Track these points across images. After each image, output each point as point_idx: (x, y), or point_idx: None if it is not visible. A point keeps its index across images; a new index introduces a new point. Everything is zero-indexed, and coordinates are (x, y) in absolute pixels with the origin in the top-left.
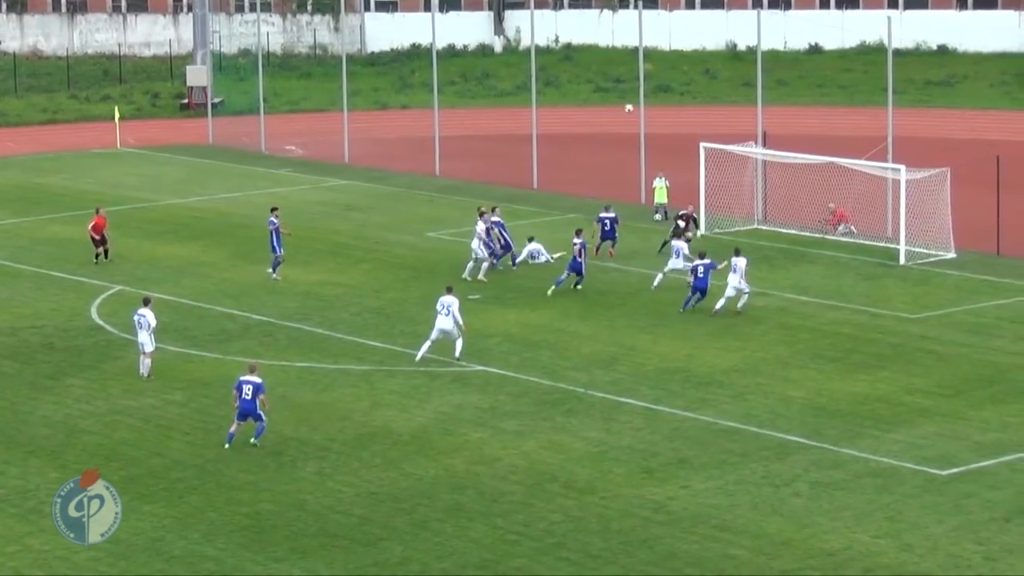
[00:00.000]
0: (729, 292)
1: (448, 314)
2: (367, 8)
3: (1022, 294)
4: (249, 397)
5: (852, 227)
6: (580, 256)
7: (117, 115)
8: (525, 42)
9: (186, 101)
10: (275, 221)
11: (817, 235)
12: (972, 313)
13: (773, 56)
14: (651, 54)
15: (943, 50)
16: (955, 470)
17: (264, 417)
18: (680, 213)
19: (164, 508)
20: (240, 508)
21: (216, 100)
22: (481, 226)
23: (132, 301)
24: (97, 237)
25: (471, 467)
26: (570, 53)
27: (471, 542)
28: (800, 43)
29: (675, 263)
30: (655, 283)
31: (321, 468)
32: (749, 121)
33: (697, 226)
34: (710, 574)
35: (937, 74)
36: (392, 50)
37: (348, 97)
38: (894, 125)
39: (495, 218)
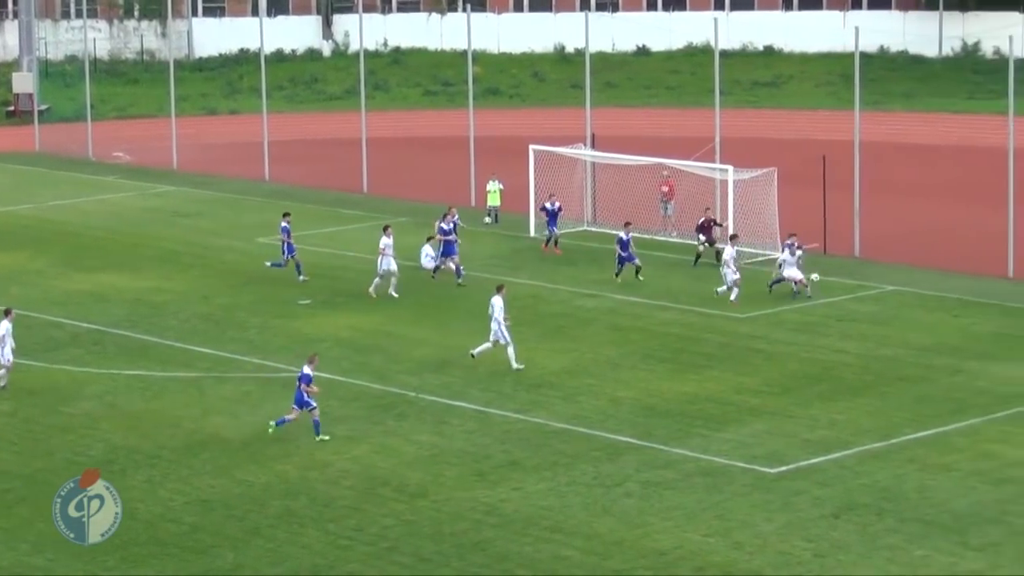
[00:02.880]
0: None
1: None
2: (194, 13)
3: (848, 292)
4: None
5: (673, 222)
6: (627, 247)
7: None
8: (354, 46)
9: (12, 108)
10: (287, 226)
11: (646, 235)
12: (800, 312)
13: (601, 58)
14: (480, 57)
15: (769, 51)
16: (784, 468)
17: (313, 405)
18: (701, 222)
19: None
20: None
21: (43, 107)
22: (385, 240)
23: None
24: None
25: (303, 473)
26: (399, 56)
27: (303, 548)
28: (628, 45)
29: (731, 273)
30: (733, 296)
31: (151, 476)
32: (578, 123)
33: (720, 225)
34: (542, 575)
35: (764, 75)
36: (220, 55)
37: (176, 103)
38: (721, 126)
39: (445, 224)
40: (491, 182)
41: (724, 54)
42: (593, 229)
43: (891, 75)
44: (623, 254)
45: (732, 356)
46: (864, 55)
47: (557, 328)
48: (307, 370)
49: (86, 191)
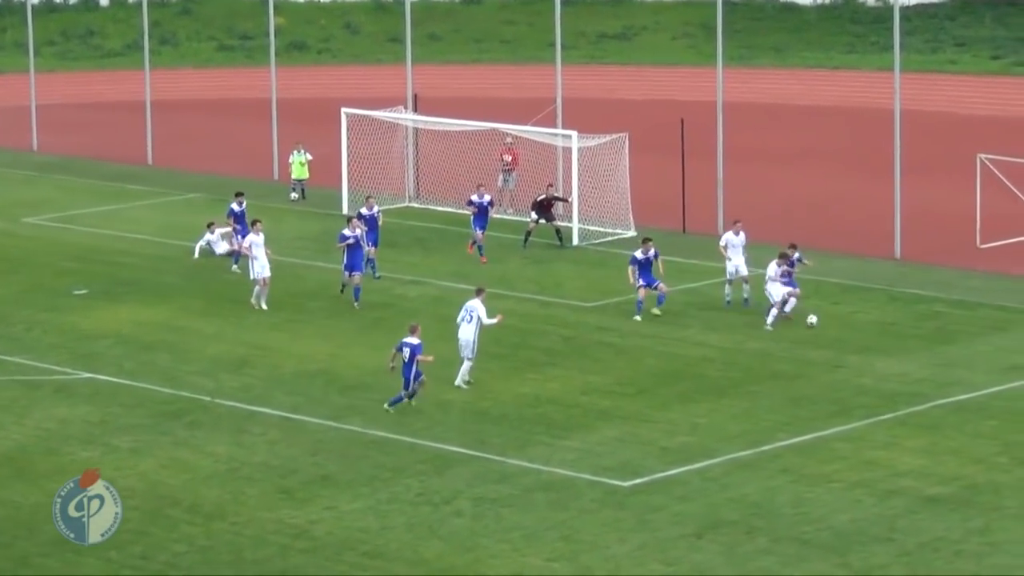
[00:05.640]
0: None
1: (471, 320)
2: None
3: (711, 277)
4: (407, 359)
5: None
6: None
7: None
8: None
9: None
10: (235, 209)
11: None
12: (655, 299)
13: (424, 7)
14: (283, 6)
15: None
16: (639, 480)
17: (422, 375)
18: (540, 199)
19: None
20: None
21: None
22: (253, 238)
23: None
24: None
25: None
26: (189, 6)
27: None
28: None
29: (775, 287)
30: (788, 307)
31: None
32: (397, 82)
33: (565, 201)
34: None
35: (612, 26)
36: None
37: None
38: (564, 85)
39: (366, 211)
40: (296, 152)
41: (566, 2)
42: (416, 206)
43: (758, 26)
44: (642, 283)
45: (578, 351)
46: (727, 3)
47: (375, 321)
48: (415, 340)
49: None
